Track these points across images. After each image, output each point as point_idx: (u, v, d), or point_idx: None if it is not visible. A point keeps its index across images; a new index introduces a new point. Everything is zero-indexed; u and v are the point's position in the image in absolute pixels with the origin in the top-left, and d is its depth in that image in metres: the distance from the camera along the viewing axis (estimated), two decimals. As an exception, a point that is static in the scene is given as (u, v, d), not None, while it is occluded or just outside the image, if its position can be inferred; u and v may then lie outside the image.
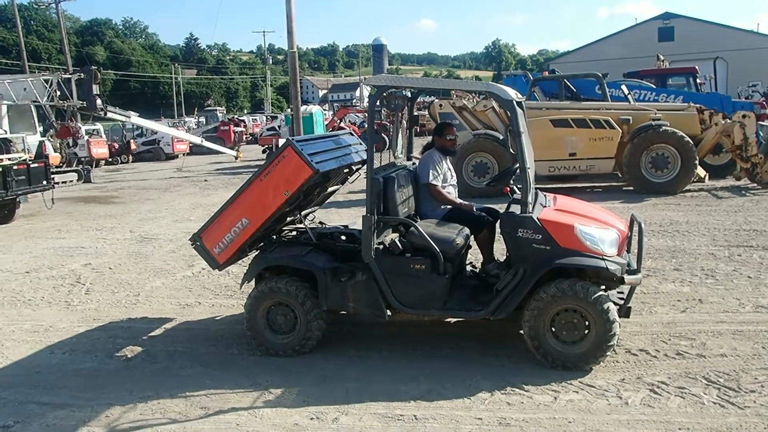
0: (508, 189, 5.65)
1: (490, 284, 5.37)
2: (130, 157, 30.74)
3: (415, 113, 27.51)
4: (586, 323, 4.92)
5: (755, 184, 13.49)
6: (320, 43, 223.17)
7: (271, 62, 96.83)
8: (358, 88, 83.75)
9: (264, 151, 26.64)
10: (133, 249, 10.27)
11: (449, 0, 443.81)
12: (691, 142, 13.03)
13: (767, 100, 36.72)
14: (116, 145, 30.72)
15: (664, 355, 5.22)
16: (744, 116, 13.45)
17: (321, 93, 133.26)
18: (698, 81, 21.05)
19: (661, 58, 24.45)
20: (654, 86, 18.83)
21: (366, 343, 5.69)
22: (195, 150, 31.34)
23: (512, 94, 5.19)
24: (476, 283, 5.79)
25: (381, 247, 5.29)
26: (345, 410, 4.53)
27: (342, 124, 30.80)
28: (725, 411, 4.30)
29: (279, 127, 30.52)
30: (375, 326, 5.99)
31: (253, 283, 5.71)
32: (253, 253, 5.91)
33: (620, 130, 13.47)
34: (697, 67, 21.45)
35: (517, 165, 5.43)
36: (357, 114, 34.10)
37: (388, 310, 5.30)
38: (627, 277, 5.02)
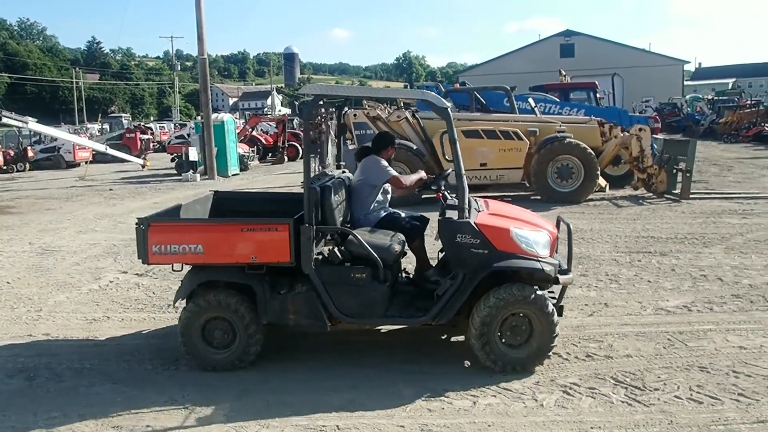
0: (441, 195, 5.77)
1: (427, 290, 5.46)
2: (27, 165, 29.01)
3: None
4: (531, 325, 5.08)
5: (651, 194, 14.33)
6: (230, 50, 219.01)
7: (179, 68, 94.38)
8: (270, 97, 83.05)
9: (173, 160, 25.85)
10: (33, 262, 9.71)
11: (362, 11, 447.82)
12: (593, 153, 13.70)
13: (659, 114, 39.26)
14: (11, 152, 28.93)
15: (575, 358, 5.45)
16: (640, 129, 14.30)
17: (231, 101, 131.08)
18: (598, 95, 22.19)
19: (563, 73, 25.62)
20: (558, 99, 19.69)
21: (286, 355, 5.62)
22: (99, 158, 29.95)
23: (447, 102, 5.31)
24: (411, 289, 5.81)
25: (320, 257, 5.24)
26: (266, 423, 4.45)
27: (254, 133, 30.39)
28: (633, 409, 4.53)
29: (188, 135, 29.64)
30: (296, 337, 5.93)
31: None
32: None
33: (528, 142, 13.98)
34: (597, 83, 22.62)
35: (449, 171, 5.68)
36: (269, 123, 33.70)
37: (329, 321, 5.24)
38: (561, 278, 5.23)
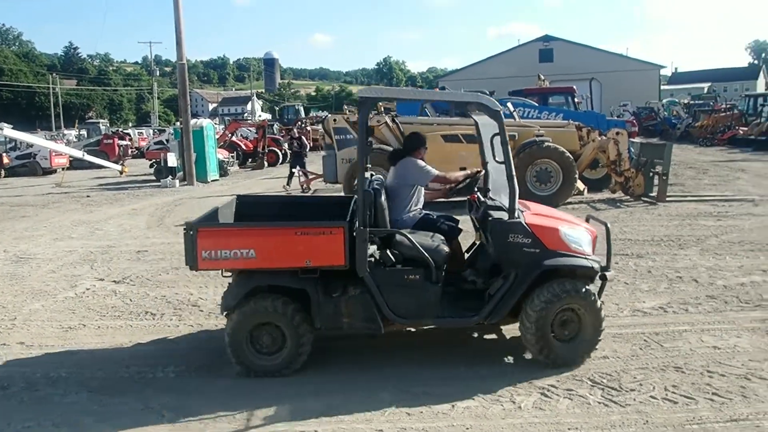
0: (475, 197, 5.77)
1: (466, 290, 5.56)
2: (2, 172, 28.62)
3: (313, 127, 27.36)
4: (579, 319, 5.21)
5: (628, 197, 14.48)
6: (210, 56, 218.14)
7: (158, 74, 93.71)
8: (250, 102, 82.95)
9: (151, 166, 25.65)
10: (8, 270, 9.57)
11: (342, 16, 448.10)
12: (572, 157, 13.81)
13: (636, 118, 39.78)
14: (-15, 159, 28.53)
15: (553, 360, 5.48)
16: (618, 133, 14.46)
17: (211, 106, 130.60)
18: (576, 100, 22.40)
19: (542, 77, 25.82)
20: (537, 104, 19.84)
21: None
22: (76, 164, 29.59)
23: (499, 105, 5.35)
24: (452, 290, 5.76)
25: (372, 259, 5.24)
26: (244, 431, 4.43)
27: (234, 138, 30.24)
28: (609, 410, 4.57)
29: (167, 141, 29.41)
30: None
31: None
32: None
33: (507, 146, 14.03)
34: (575, 87, 22.84)
35: (482, 173, 5.89)
36: (249, 128, 33.57)
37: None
38: (608, 274, 5.41)
